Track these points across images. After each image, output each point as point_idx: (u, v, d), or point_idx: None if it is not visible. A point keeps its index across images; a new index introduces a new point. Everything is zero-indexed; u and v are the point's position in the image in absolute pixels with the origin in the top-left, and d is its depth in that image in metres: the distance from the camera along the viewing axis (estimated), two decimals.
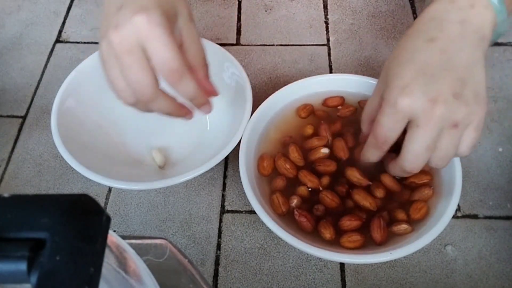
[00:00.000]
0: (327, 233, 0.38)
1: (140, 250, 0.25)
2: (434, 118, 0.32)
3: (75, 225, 0.15)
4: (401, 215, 0.39)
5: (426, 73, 0.33)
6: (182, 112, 0.38)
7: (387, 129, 0.34)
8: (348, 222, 0.38)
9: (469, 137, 0.34)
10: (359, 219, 0.38)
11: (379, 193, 0.40)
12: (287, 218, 0.39)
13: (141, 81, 0.33)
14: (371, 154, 0.38)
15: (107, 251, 0.21)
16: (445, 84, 0.33)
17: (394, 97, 0.33)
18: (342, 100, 0.46)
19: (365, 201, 0.39)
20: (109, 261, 0.21)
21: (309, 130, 0.44)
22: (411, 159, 0.34)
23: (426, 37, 0.35)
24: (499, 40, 0.54)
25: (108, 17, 0.33)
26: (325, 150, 0.42)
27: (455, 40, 0.34)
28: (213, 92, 0.39)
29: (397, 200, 0.40)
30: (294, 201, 0.40)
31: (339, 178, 0.41)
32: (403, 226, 0.38)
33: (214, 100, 0.49)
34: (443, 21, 0.35)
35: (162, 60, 0.32)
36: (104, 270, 0.20)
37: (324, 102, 0.46)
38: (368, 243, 0.38)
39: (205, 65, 0.38)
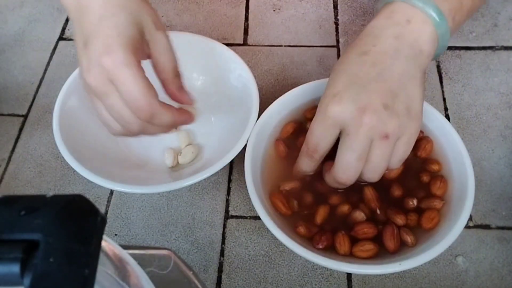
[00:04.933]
0: (342, 249, 0.37)
1: (143, 261, 0.24)
2: (362, 126, 0.33)
3: (69, 226, 0.15)
4: (413, 218, 0.38)
5: (357, 83, 0.34)
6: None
7: (317, 136, 0.35)
8: (366, 230, 0.37)
9: (399, 151, 0.35)
10: (375, 227, 0.37)
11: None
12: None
13: (125, 117, 0.34)
14: (303, 163, 0.38)
15: (109, 264, 0.21)
16: (375, 94, 0.33)
17: (325, 105, 0.34)
18: None
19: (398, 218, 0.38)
20: (111, 274, 0.20)
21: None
22: (343, 169, 0.34)
23: (359, 51, 0.36)
24: None
25: (79, 53, 0.34)
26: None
27: (387, 54, 0.35)
28: (188, 102, 0.38)
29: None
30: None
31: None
32: (410, 238, 0.37)
33: (220, 103, 0.48)
34: (378, 37, 0.36)
35: (130, 100, 0.33)
36: (108, 283, 0.20)
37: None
38: (380, 253, 0.37)
39: (176, 76, 0.37)
